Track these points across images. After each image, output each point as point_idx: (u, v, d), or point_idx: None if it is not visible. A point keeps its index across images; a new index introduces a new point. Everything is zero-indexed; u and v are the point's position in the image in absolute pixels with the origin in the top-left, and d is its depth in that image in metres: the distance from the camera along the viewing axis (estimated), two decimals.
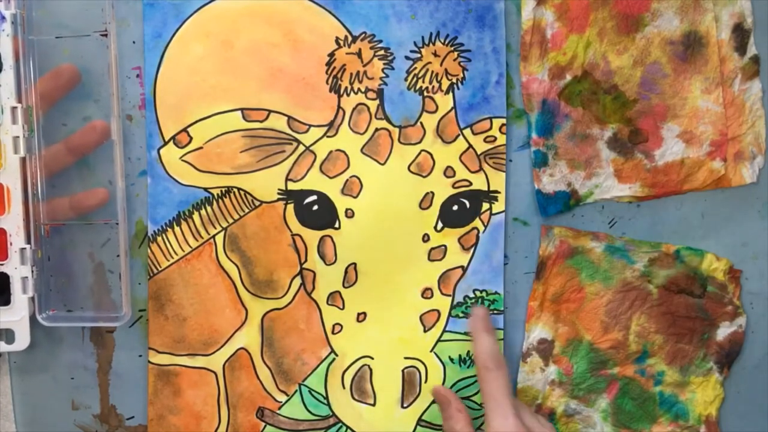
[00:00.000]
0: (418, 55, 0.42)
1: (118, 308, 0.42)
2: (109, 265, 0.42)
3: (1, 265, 0.39)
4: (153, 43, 0.41)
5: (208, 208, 0.42)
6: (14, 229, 0.39)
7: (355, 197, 0.42)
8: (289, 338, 0.43)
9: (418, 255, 0.43)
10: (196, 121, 0.41)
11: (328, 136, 0.42)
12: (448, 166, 0.43)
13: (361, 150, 0.42)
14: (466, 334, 0.43)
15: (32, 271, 0.39)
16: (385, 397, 0.44)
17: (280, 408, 0.44)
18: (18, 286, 0.39)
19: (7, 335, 0.40)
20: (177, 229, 0.42)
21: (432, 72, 0.42)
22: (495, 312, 0.44)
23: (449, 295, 0.44)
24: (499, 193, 0.43)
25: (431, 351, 0.44)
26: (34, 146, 0.39)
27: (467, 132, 0.43)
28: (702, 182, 0.44)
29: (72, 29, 0.40)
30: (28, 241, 0.39)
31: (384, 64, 0.42)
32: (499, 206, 0.43)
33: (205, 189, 0.42)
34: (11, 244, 0.39)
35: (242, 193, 0.42)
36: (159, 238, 0.42)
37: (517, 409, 0.39)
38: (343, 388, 0.44)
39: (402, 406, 0.44)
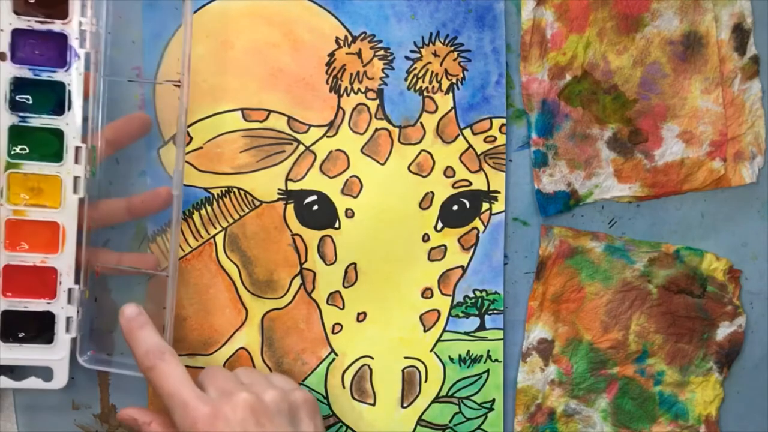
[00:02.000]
0: (418, 55, 0.42)
1: None
2: (148, 309, 0.40)
3: (48, 303, 0.38)
4: (153, 43, 0.41)
5: (208, 208, 0.42)
6: (66, 269, 0.38)
7: (355, 197, 0.42)
8: (289, 338, 0.43)
9: (418, 255, 0.43)
10: (196, 121, 0.41)
11: (328, 136, 0.42)
12: (448, 166, 0.43)
13: (361, 150, 0.42)
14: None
15: (78, 312, 0.38)
16: (385, 396, 0.44)
17: None
18: (62, 325, 0.38)
19: (44, 373, 0.39)
20: None
21: (432, 72, 0.42)
22: (495, 312, 0.44)
23: (449, 295, 0.44)
24: (499, 193, 0.43)
25: (431, 351, 0.44)
26: (94, 188, 0.38)
27: (467, 132, 0.43)
28: (702, 182, 0.44)
29: (145, 74, 0.40)
30: (77, 282, 0.38)
31: (384, 64, 0.42)
32: (499, 206, 0.43)
33: (205, 189, 0.42)
34: (61, 283, 0.38)
35: (242, 193, 0.42)
36: (159, 238, 0.42)
37: (201, 387, 0.35)
38: (343, 387, 0.44)
39: (402, 406, 0.44)
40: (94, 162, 0.38)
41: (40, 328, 0.38)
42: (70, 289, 0.38)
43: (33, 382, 0.39)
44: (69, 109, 0.37)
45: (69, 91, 0.37)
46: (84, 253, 0.38)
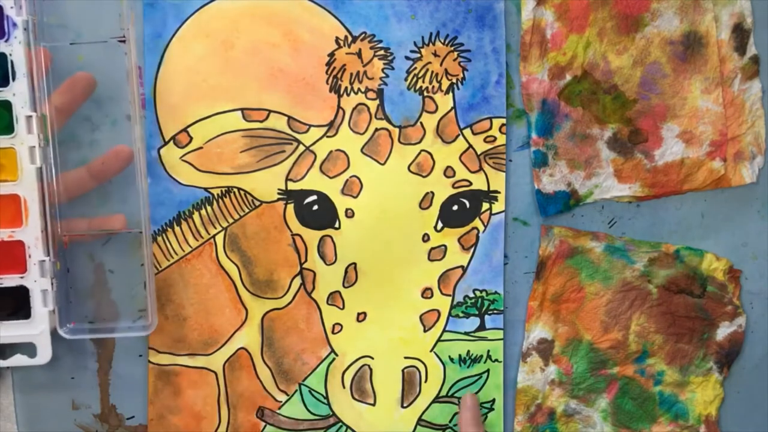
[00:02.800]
0: (418, 55, 0.42)
1: (127, 313, 0.41)
2: (122, 273, 0.41)
3: (21, 278, 0.38)
4: (153, 43, 0.41)
5: (208, 208, 0.42)
6: (33, 241, 0.38)
7: (355, 197, 0.42)
8: (289, 338, 0.43)
9: (418, 255, 0.43)
10: (196, 121, 0.41)
11: (328, 136, 0.42)
12: (448, 166, 0.43)
13: (361, 150, 0.42)
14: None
15: (52, 284, 0.38)
16: (385, 396, 0.44)
17: (280, 408, 0.44)
18: (38, 299, 0.38)
19: (28, 349, 0.39)
20: (177, 229, 0.42)
21: (432, 72, 0.42)
22: (495, 312, 0.44)
23: (449, 295, 0.44)
24: (499, 193, 0.43)
25: (431, 351, 0.44)
26: (50, 156, 0.38)
27: (467, 132, 0.43)
28: (702, 182, 0.44)
29: (86, 35, 0.39)
30: (47, 254, 0.38)
31: (384, 64, 0.42)
32: (499, 206, 0.43)
33: (205, 189, 0.42)
34: (30, 256, 0.38)
35: (242, 193, 0.42)
36: (159, 238, 0.42)
37: None
38: (343, 387, 0.44)
39: (402, 406, 0.44)
40: (46, 130, 0.38)
41: (16, 304, 0.38)
42: (41, 262, 0.38)
43: (18, 360, 0.39)
44: (14, 79, 0.37)
45: (11, 62, 0.37)
46: (50, 225, 0.38)
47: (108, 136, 0.40)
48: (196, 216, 0.42)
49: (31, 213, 0.38)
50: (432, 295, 0.43)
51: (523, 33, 0.43)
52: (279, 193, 0.42)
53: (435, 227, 0.43)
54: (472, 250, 0.43)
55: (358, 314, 0.43)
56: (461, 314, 0.44)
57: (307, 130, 0.42)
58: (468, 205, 0.43)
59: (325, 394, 0.44)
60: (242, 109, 0.41)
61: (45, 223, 0.38)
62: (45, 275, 0.38)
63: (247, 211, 0.42)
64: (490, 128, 0.43)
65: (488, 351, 0.44)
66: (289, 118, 0.42)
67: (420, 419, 0.44)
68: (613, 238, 0.44)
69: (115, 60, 0.39)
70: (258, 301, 0.43)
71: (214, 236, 0.42)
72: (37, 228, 0.38)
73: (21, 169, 0.37)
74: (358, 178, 0.42)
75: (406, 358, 0.43)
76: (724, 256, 0.45)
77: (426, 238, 0.43)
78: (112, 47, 0.39)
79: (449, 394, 0.44)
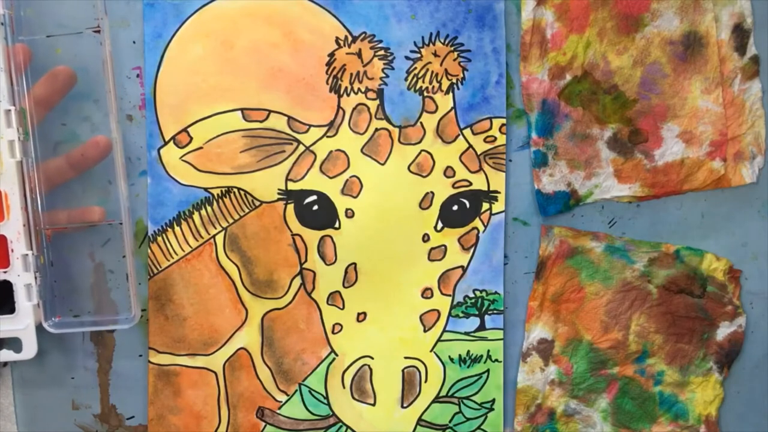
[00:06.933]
0: (418, 55, 0.42)
1: (124, 310, 0.41)
2: (110, 266, 0.42)
3: (4, 272, 0.38)
4: (153, 43, 0.41)
5: (208, 208, 0.42)
6: (15, 235, 0.38)
7: (355, 197, 0.42)
8: (289, 338, 0.43)
9: (418, 255, 0.43)
10: (196, 121, 0.41)
11: (328, 136, 0.42)
12: (448, 166, 0.43)
13: (361, 150, 0.42)
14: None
15: (36, 278, 0.39)
16: (385, 396, 0.44)
17: (280, 408, 0.44)
18: (22, 293, 0.38)
19: (14, 344, 0.39)
20: (177, 229, 0.42)
21: (432, 72, 0.42)
22: (495, 312, 0.44)
23: (449, 295, 0.44)
24: (499, 193, 0.43)
25: (431, 351, 0.44)
26: (30, 150, 0.38)
27: (467, 132, 0.43)
28: (702, 182, 0.44)
29: (63, 27, 0.39)
30: (30, 247, 0.38)
31: (384, 64, 0.42)
32: (499, 206, 0.43)
33: (205, 189, 0.42)
34: (12, 250, 0.38)
35: (242, 193, 0.42)
36: (159, 238, 0.42)
37: None
38: (343, 387, 0.44)
39: (402, 406, 0.44)
40: (26, 124, 0.38)
41: (0, 299, 0.38)
42: (24, 256, 0.38)
43: (5, 355, 0.39)
44: None
45: None
46: (32, 218, 0.38)
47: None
48: (196, 216, 0.42)
49: (13, 207, 0.38)
50: (432, 295, 0.43)
51: (523, 33, 0.43)
52: (279, 193, 0.42)
53: (435, 227, 0.43)
54: (472, 250, 0.43)
55: (358, 314, 0.43)
56: (461, 314, 0.44)
57: (307, 130, 0.42)
58: (468, 205, 0.43)
59: (325, 394, 0.44)
60: (242, 109, 0.41)
61: (27, 216, 0.38)
62: (28, 269, 0.38)
63: (247, 211, 0.42)
64: (490, 128, 0.43)
65: (488, 351, 0.44)
66: (289, 118, 0.42)
67: (420, 419, 0.44)
68: (613, 238, 0.44)
69: (98, 52, 0.39)
70: (258, 301, 0.43)
71: (214, 236, 0.42)
72: (19, 222, 0.38)
73: (1, 163, 0.37)
74: (358, 178, 0.42)
75: (406, 358, 0.43)
76: (724, 256, 0.45)
77: (426, 238, 0.43)
78: (91, 39, 0.39)
79: (449, 394, 0.44)
